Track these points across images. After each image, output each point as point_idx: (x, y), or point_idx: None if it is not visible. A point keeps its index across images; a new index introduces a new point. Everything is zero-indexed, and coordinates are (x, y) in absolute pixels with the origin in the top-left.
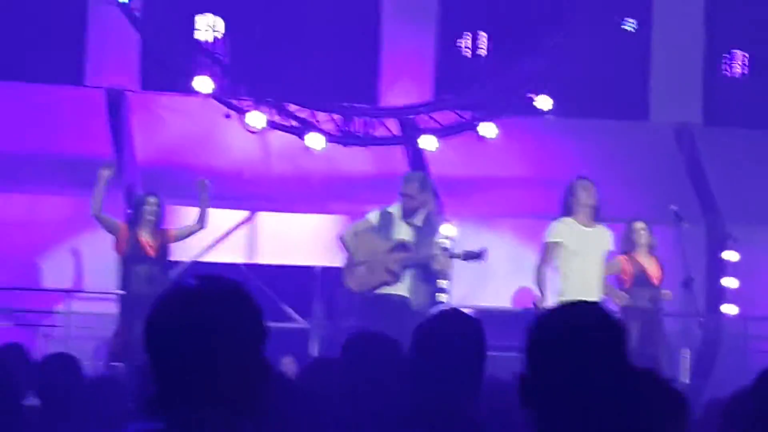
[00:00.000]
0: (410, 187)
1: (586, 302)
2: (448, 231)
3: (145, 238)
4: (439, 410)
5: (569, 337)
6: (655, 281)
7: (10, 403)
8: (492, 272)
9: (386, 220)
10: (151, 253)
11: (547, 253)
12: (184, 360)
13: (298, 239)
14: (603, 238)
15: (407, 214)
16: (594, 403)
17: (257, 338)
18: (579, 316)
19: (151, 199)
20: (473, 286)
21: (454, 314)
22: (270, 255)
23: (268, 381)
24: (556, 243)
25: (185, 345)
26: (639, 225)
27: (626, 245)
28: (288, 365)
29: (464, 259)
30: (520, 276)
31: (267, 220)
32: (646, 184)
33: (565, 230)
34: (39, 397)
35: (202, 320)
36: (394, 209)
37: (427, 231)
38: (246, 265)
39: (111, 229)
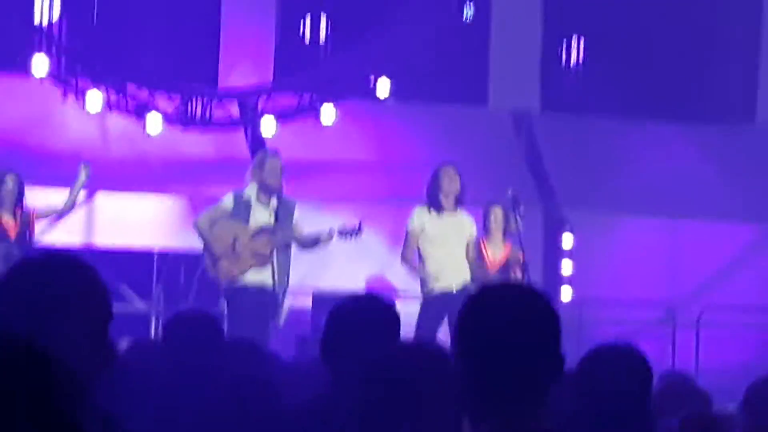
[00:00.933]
0: (275, 165)
1: (518, 285)
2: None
3: (5, 218)
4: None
5: (503, 317)
6: (490, 267)
7: None
8: (330, 255)
9: (241, 203)
10: (12, 234)
11: (408, 239)
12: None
13: (137, 221)
14: (464, 224)
15: (265, 196)
16: (520, 382)
17: (103, 318)
18: (513, 296)
19: (9, 178)
20: (312, 269)
21: (369, 300)
22: (108, 236)
23: (110, 364)
24: (415, 229)
25: (26, 319)
26: (491, 209)
27: (483, 229)
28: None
29: (341, 236)
30: (358, 259)
31: (105, 201)
32: (484, 169)
33: (425, 217)
34: None
35: (44, 294)
36: (250, 192)
37: (284, 212)
38: (84, 246)
39: None
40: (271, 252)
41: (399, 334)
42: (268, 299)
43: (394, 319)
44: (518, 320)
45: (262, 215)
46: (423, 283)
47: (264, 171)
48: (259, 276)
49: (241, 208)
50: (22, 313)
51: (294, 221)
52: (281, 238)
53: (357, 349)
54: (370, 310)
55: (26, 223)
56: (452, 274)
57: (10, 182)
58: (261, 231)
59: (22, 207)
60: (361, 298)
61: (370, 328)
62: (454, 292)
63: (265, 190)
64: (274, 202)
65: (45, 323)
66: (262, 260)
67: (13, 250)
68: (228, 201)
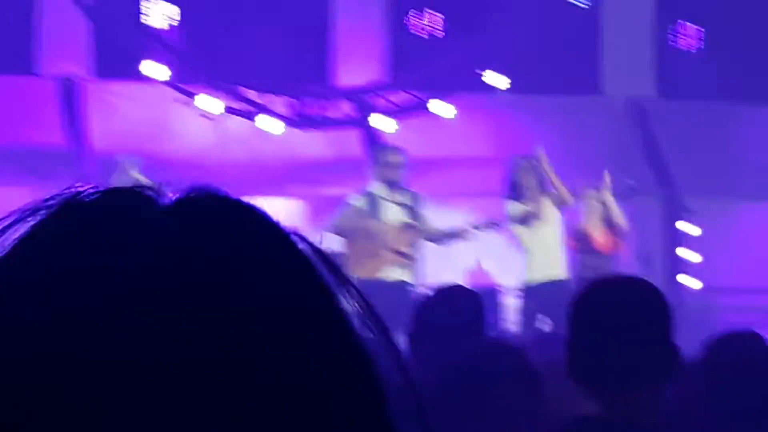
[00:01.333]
0: (397, 157)
1: (630, 277)
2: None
3: None
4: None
5: (616, 311)
6: (602, 249)
7: None
8: (452, 251)
9: (371, 202)
10: None
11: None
12: None
13: None
14: (552, 209)
15: (393, 192)
16: (634, 372)
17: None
18: (626, 290)
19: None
20: (433, 265)
21: (456, 290)
22: None
23: None
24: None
25: None
26: (590, 194)
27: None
28: None
29: (480, 229)
30: (480, 255)
31: None
32: (601, 158)
33: (517, 209)
34: None
35: None
36: (377, 190)
37: (415, 207)
38: None
39: None
40: (414, 249)
41: (481, 325)
42: (406, 296)
43: (477, 311)
44: (629, 312)
45: (393, 212)
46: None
47: (388, 168)
48: (400, 272)
49: (372, 207)
50: None
51: (424, 216)
52: (424, 234)
53: (438, 342)
54: (452, 303)
55: None
56: (546, 264)
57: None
58: (402, 228)
59: None
60: (445, 291)
61: (451, 322)
62: (549, 282)
63: (392, 186)
64: (403, 197)
65: None
66: (406, 257)
67: None
68: (359, 201)
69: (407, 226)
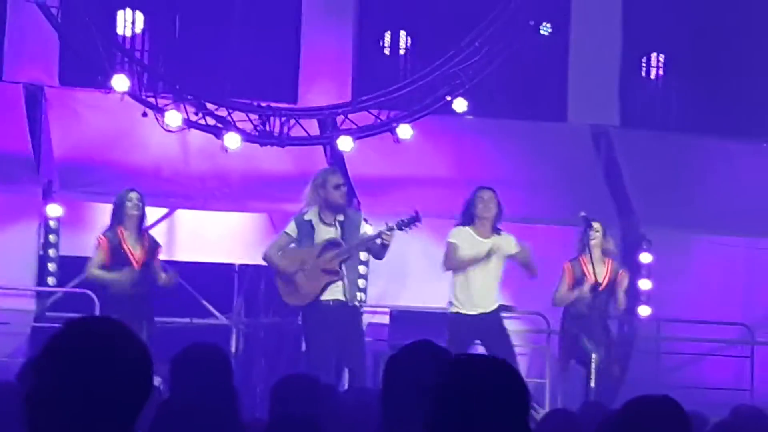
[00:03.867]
0: (337, 182)
1: (494, 359)
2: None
3: (130, 245)
4: None
5: (475, 390)
6: (595, 285)
7: None
8: (408, 272)
9: (304, 227)
10: (137, 266)
11: (450, 251)
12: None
13: (216, 237)
14: (500, 247)
15: (330, 214)
16: None
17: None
18: (488, 369)
19: (133, 195)
20: (389, 286)
21: (424, 348)
22: (189, 252)
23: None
24: (455, 244)
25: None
26: (591, 226)
27: (578, 247)
28: None
29: (400, 228)
30: (436, 276)
31: (185, 217)
32: (562, 185)
33: (462, 237)
34: None
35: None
36: (311, 214)
37: (349, 225)
38: (165, 261)
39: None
40: (340, 264)
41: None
42: (344, 314)
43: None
44: (490, 395)
45: (326, 234)
46: (454, 303)
47: (326, 190)
48: (332, 292)
49: (306, 232)
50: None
51: (361, 234)
52: (346, 249)
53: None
54: (425, 358)
55: (150, 249)
56: (484, 297)
57: (134, 200)
58: (325, 246)
59: (147, 234)
60: (415, 347)
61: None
62: (485, 315)
63: (330, 208)
64: (339, 217)
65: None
66: (333, 274)
67: (136, 273)
68: (291, 227)
69: (331, 244)
